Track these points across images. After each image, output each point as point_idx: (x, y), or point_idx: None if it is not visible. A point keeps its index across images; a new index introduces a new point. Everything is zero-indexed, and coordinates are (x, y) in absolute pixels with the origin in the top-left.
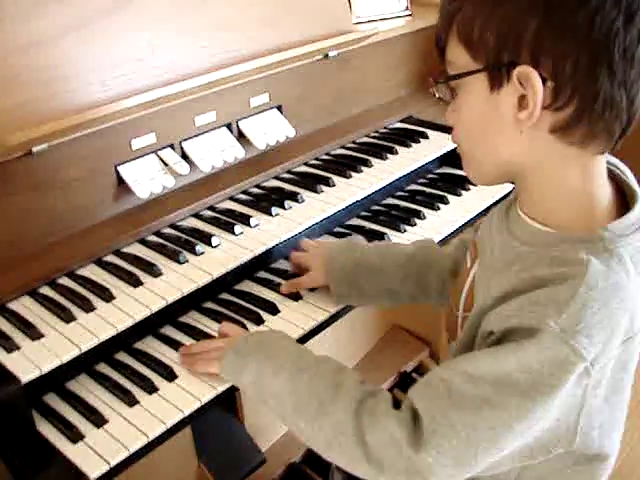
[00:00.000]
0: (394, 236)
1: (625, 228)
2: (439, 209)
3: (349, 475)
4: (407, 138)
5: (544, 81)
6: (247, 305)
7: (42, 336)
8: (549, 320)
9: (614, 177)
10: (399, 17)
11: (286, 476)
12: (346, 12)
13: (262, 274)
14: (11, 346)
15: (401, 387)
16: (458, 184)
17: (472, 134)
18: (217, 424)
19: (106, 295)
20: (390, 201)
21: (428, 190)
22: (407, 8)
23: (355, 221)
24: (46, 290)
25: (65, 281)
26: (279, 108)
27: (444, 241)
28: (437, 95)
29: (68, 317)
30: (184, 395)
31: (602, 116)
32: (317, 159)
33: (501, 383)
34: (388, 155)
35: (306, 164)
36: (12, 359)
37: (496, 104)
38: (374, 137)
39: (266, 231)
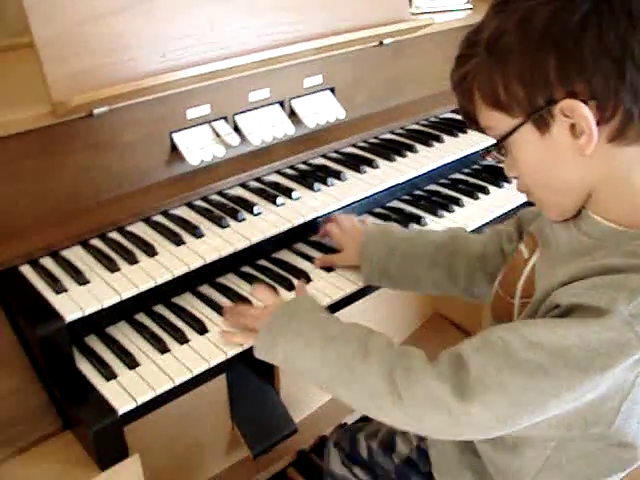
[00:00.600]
0: (431, 220)
1: None
2: (479, 198)
3: None
4: (455, 128)
5: (585, 102)
6: (282, 272)
7: (88, 282)
8: (619, 305)
9: None
10: (459, 10)
11: (316, 448)
12: (403, 2)
13: (299, 245)
14: (59, 288)
15: None
16: (500, 176)
17: (541, 180)
18: (253, 391)
19: (150, 250)
20: (432, 187)
21: (471, 180)
22: (468, 1)
23: (395, 203)
24: (96, 242)
25: (114, 235)
26: (332, 90)
27: (478, 230)
28: (496, 162)
29: (113, 267)
30: (212, 348)
31: None
32: (364, 142)
33: (558, 354)
34: (434, 143)
35: (353, 145)
36: (59, 299)
37: (552, 143)
38: (423, 125)
39: (306, 205)
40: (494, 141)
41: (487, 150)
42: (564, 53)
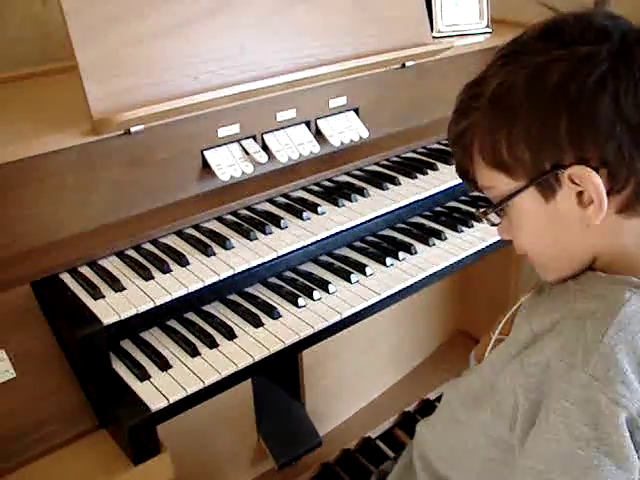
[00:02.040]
0: (451, 235)
1: None
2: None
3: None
4: None
5: (596, 170)
6: (306, 283)
7: (124, 289)
8: (578, 372)
9: None
10: (479, 34)
11: (339, 461)
12: (424, 25)
13: (324, 257)
14: (97, 294)
15: None
16: None
17: (541, 247)
18: (279, 404)
19: (182, 260)
20: (453, 204)
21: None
22: (487, 25)
23: (416, 219)
24: (131, 252)
25: (148, 246)
26: (356, 111)
27: (497, 244)
28: (490, 224)
29: (147, 275)
30: (240, 352)
31: None
32: (387, 160)
33: (569, 465)
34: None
35: (376, 164)
36: (97, 305)
37: (556, 211)
38: (444, 144)
39: (331, 219)
40: None
41: (484, 211)
42: (577, 115)
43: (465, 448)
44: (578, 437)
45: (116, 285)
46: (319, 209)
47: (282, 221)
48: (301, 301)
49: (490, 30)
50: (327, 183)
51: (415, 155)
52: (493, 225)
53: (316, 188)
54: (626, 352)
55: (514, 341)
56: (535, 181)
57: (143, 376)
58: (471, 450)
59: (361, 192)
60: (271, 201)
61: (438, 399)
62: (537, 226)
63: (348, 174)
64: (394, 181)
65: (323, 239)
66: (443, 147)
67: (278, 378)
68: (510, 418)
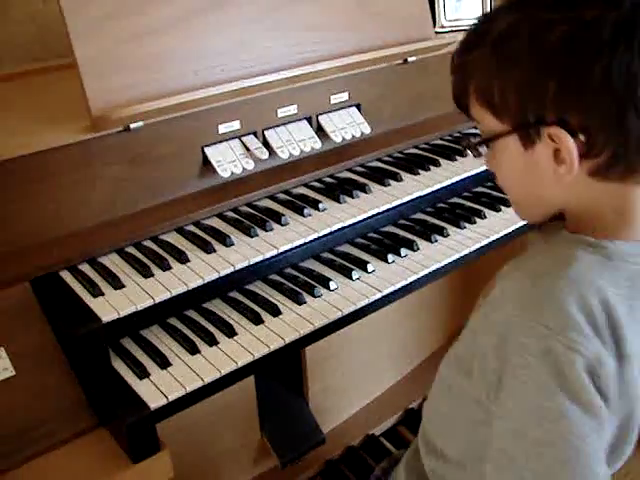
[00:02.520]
0: (454, 232)
1: (636, 251)
2: (500, 210)
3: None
4: None
5: (575, 134)
6: (308, 280)
7: (123, 286)
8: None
9: None
10: None
11: (343, 458)
12: (427, 20)
13: (326, 254)
14: (97, 292)
15: None
16: None
17: (515, 187)
18: (282, 402)
19: (182, 258)
20: (455, 200)
21: (493, 193)
22: None
23: (419, 215)
24: (131, 249)
25: (148, 243)
26: (358, 106)
27: (500, 240)
28: (474, 155)
29: (147, 273)
30: (240, 350)
31: (638, 154)
32: (389, 156)
33: (540, 419)
34: (457, 157)
35: (379, 160)
36: (96, 302)
37: (533, 160)
38: (447, 140)
39: (332, 216)
40: None
41: (468, 143)
42: (567, 80)
43: (454, 414)
44: (543, 388)
45: (116, 282)
46: (320, 205)
47: (283, 218)
48: (302, 298)
49: None
50: (328, 179)
51: (417, 151)
52: (476, 157)
53: (317, 184)
54: (576, 304)
55: (488, 303)
56: (517, 130)
57: (143, 374)
58: (459, 415)
59: (363, 188)
60: (272, 197)
61: None
62: (514, 169)
63: (350, 170)
64: (396, 177)
65: (324, 236)
66: (445, 143)
67: (281, 376)
68: (485, 380)
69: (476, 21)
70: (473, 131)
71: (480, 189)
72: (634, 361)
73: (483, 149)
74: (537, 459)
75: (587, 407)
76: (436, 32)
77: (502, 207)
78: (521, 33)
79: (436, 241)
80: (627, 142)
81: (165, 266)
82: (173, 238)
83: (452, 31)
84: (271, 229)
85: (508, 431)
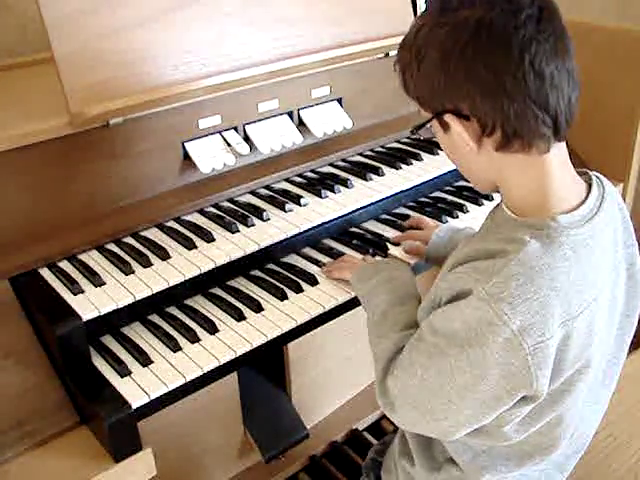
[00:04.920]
0: None
1: (572, 221)
2: (482, 204)
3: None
4: None
5: (469, 118)
6: (290, 275)
7: (104, 284)
8: (479, 285)
9: (589, 181)
10: None
11: (327, 453)
12: (408, 14)
13: (307, 250)
14: (77, 290)
15: None
16: None
17: (455, 162)
18: (265, 397)
19: (163, 254)
20: (437, 194)
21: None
22: None
23: (401, 210)
24: (112, 246)
25: (129, 240)
26: (339, 101)
27: None
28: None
29: (128, 270)
30: (222, 347)
31: (526, 129)
32: (371, 150)
33: (449, 335)
34: (440, 151)
35: (360, 154)
36: (76, 300)
37: (452, 141)
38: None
39: (314, 211)
40: None
41: (412, 129)
42: (448, 75)
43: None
44: (467, 323)
45: (96, 280)
46: (302, 201)
47: (264, 213)
48: (284, 294)
49: None
50: (310, 174)
51: (399, 145)
52: (417, 137)
53: (299, 179)
54: (522, 282)
55: (448, 262)
56: (433, 117)
57: (124, 372)
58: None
59: (344, 183)
60: (253, 193)
61: None
62: (446, 148)
63: (332, 165)
64: (378, 172)
65: (306, 231)
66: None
67: (264, 371)
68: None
69: (406, 34)
70: None
71: (462, 183)
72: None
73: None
74: (430, 356)
75: (477, 361)
76: None
77: (484, 201)
78: (420, 37)
79: None
80: (509, 121)
81: (146, 263)
82: (154, 234)
83: None
84: (252, 224)
85: (429, 326)
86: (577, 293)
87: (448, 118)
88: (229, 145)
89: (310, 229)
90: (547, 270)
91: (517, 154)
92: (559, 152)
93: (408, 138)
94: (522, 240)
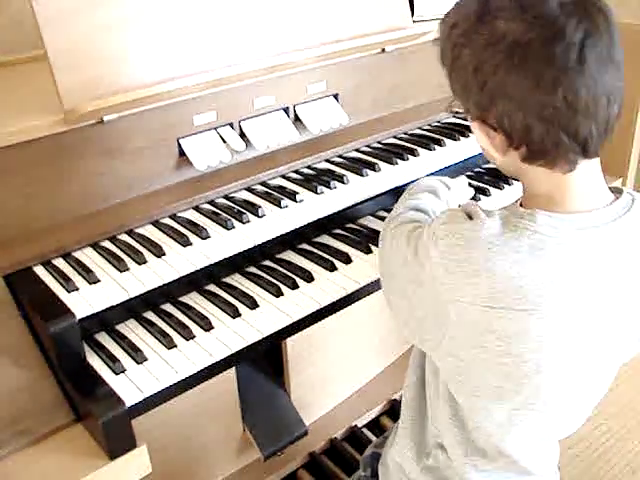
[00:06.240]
0: None
1: (553, 223)
2: (480, 200)
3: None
4: (457, 132)
5: (495, 129)
6: (286, 272)
7: (98, 281)
8: (436, 222)
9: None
10: None
11: (326, 450)
12: (405, 9)
13: (303, 245)
14: (71, 287)
15: None
16: (502, 179)
17: (482, 148)
18: (264, 394)
19: (158, 251)
20: None
21: (473, 182)
22: None
23: None
24: (106, 243)
25: (124, 237)
26: (335, 96)
27: None
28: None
29: (122, 267)
30: (217, 343)
31: (552, 152)
32: (368, 146)
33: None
34: (436, 147)
35: (357, 150)
36: (71, 298)
37: (482, 134)
38: (426, 130)
39: (310, 207)
40: None
41: (451, 108)
42: (479, 86)
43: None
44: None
45: (90, 277)
46: (298, 197)
47: (260, 209)
48: (280, 290)
49: None
50: (306, 170)
51: (396, 141)
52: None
53: (295, 176)
54: (458, 243)
55: None
56: (465, 113)
57: (118, 369)
58: None
59: (341, 179)
60: (249, 189)
61: None
62: (476, 135)
63: (328, 161)
64: (374, 167)
65: (302, 227)
66: (424, 132)
67: (263, 368)
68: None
69: (448, 10)
70: (452, 120)
71: None
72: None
73: None
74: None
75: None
76: (414, 21)
77: (481, 196)
78: (455, 35)
79: None
80: (539, 144)
81: (141, 260)
82: (149, 231)
83: (430, 20)
84: (248, 221)
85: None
86: (517, 288)
87: (475, 125)
88: (224, 142)
89: (306, 225)
90: (487, 248)
91: (540, 167)
92: (587, 165)
93: (404, 134)
94: (492, 214)
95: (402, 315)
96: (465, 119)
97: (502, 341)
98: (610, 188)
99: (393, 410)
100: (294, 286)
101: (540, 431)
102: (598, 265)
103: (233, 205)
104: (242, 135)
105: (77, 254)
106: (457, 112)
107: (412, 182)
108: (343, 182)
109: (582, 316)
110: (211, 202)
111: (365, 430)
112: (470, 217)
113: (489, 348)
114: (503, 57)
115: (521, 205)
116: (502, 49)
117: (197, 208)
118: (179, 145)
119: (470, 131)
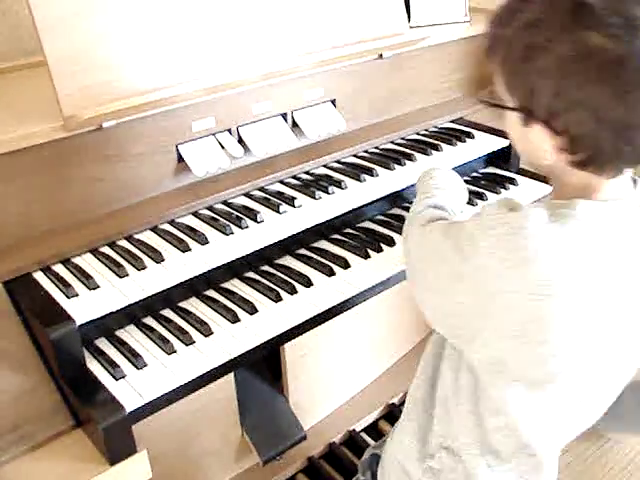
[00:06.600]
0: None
1: (591, 210)
2: (476, 204)
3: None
4: (454, 137)
5: (558, 133)
6: (284, 277)
7: (98, 287)
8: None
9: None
10: (457, 23)
11: (324, 455)
12: (402, 16)
13: (302, 251)
14: (71, 293)
15: None
16: (499, 183)
17: (516, 146)
18: (263, 399)
19: (157, 257)
20: None
21: (470, 187)
22: (465, 14)
23: (396, 211)
24: (106, 249)
25: (123, 243)
26: (333, 102)
27: None
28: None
29: (122, 273)
30: (217, 349)
31: (608, 165)
32: (365, 152)
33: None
34: (433, 152)
35: (355, 155)
36: (71, 304)
37: (527, 135)
38: (423, 135)
39: (308, 212)
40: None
41: (482, 100)
42: (556, 94)
43: None
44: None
45: (90, 283)
46: (296, 202)
47: (258, 215)
48: (279, 296)
49: (468, 19)
50: (304, 176)
51: (393, 146)
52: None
53: (293, 181)
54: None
55: None
56: (519, 110)
57: (119, 375)
58: None
59: (339, 184)
60: (247, 195)
61: None
62: (514, 131)
63: (325, 166)
64: (372, 173)
65: (300, 232)
66: (421, 138)
67: (261, 373)
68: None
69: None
70: (449, 125)
71: None
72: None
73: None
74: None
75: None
76: (411, 27)
77: (478, 201)
78: (530, 35)
79: None
80: (602, 153)
81: (140, 265)
82: (148, 237)
83: (426, 26)
84: (247, 227)
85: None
86: (563, 275)
87: (537, 127)
88: (223, 147)
89: (304, 231)
90: (535, 236)
91: (584, 170)
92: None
93: (402, 139)
94: (534, 206)
95: (435, 311)
96: (464, 124)
97: (544, 330)
98: None
99: (391, 414)
100: (293, 291)
101: (568, 422)
102: (635, 251)
103: (232, 211)
104: (240, 141)
105: (77, 260)
106: (488, 100)
107: (410, 187)
108: (341, 187)
109: (624, 304)
110: (210, 208)
111: (363, 434)
112: (511, 209)
113: (530, 337)
114: (593, 73)
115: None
116: (593, 65)
117: (196, 214)
118: (178, 151)
119: (468, 136)
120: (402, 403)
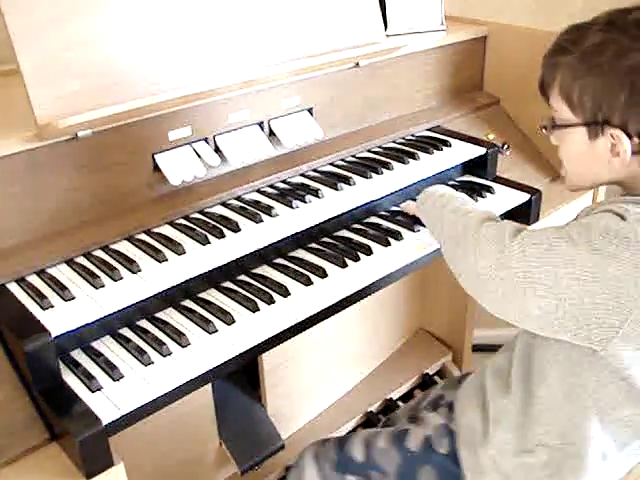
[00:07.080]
0: (409, 236)
1: None
2: None
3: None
4: (430, 146)
5: (632, 136)
6: (261, 287)
7: (73, 298)
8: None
9: None
10: (433, 31)
11: None
12: (378, 25)
13: (279, 260)
14: (46, 305)
15: (422, 388)
16: (476, 191)
17: (573, 163)
18: (240, 408)
19: (133, 267)
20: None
21: None
22: (442, 23)
23: (373, 219)
24: (81, 260)
25: (99, 253)
26: (310, 111)
27: None
28: (541, 129)
29: (98, 284)
30: (194, 360)
31: None
32: (342, 160)
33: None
34: (410, 160)
35: (331, 164)
36: (45, 315)
37: (593, 148)
38: (400, 143)
39: (285, 221)
40: (470, 157)
41: (543, 125)
42: (633, 96)
43: None
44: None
45: (65, 294)
46: (273, 211)
47: (235, 224)
48: (256, 306)
49: (444, 28)
50: (281, 185)
51: (370, 155)
52: (543, 129)
53: (270, 190)
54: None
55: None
56: (587, 124)
57: (95, 387)
58: None
59: (315, 193)
60: (224, 204)
61: (401, 398)
62: (576, 151)
63: (302, 175)
64: (349, 181)
65: (277, 242)
66: (398, 146)
67: (239, 382)
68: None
69: (570, 28)
70: (426, 134)
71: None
72: None
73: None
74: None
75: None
76: (387, 36)
77: None
78: (607, 51)
79: (390, 245)
80: None
81: (116, 276)
82: (124, 247)
83: (403, 34)
84: (223, 236)
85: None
86: None
87: (616, 132)
88: (199, 157)
89: (281, 240)
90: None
91: None
92: None
93: (379, 147)
94: (620, 206)
95: (547, 314)
96: (441, 132)
97: None
98: None
99: (369, 422)
100: (270, 301)
101: None
102: None
103: (208, 220)
104: (217, 150)
105: (52, 271)
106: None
107: (387, 196)
108: (318, 196)
109: None
110: (186, 217)
111: None
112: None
113: None
114: None
115: None
116: None
117: (172, 223)
118: (154, 160)
119: (445, 145)
120: (380, 411)
